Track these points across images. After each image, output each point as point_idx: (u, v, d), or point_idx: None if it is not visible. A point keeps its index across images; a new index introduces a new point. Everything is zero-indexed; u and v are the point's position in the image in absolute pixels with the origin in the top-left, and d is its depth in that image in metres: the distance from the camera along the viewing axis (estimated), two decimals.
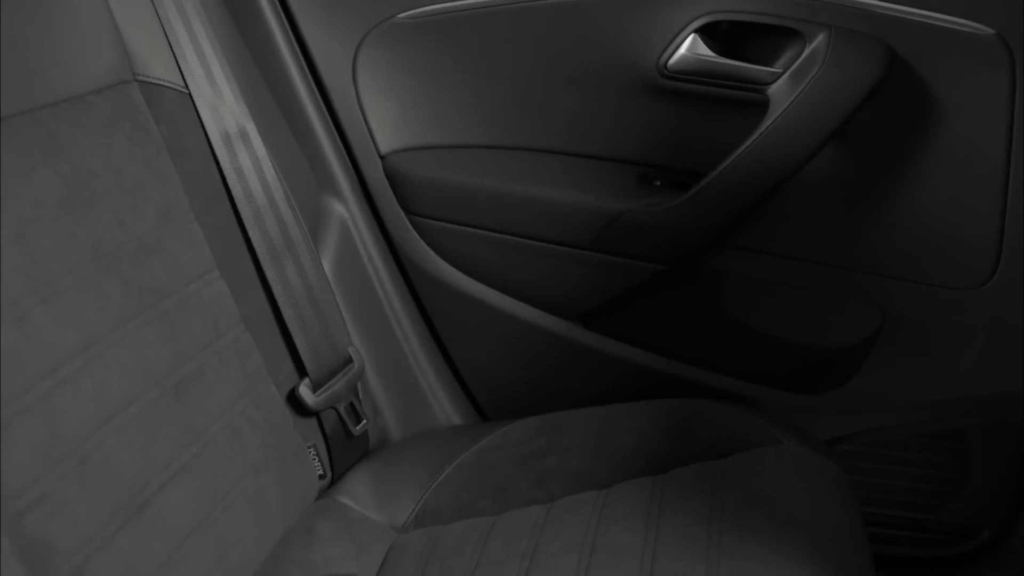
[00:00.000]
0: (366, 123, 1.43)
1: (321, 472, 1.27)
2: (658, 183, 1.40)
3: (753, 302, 1.40)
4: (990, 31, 1.21)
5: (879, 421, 1.42)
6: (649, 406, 1.27)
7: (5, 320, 0.89)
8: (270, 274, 1.23)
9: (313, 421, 1.27)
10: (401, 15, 1.38)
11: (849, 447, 1.44)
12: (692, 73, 1.33)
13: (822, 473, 1.12)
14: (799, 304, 1.40)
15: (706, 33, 1.31)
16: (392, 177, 1.44)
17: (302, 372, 1.25)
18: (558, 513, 1.15)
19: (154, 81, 1.17)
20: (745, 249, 1.39)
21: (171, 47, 1.20)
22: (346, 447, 1.31)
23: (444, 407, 1.51)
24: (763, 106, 1.31)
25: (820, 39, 1.26)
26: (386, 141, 1.44)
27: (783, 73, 1.31)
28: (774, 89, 1.31)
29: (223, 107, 1.23)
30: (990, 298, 1.33)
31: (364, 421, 1.31)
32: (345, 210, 1.45)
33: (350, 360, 1.31)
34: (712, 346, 1.43)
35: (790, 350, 1.41)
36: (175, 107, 1.18)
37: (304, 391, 1.23)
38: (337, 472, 1.30)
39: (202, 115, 1.21)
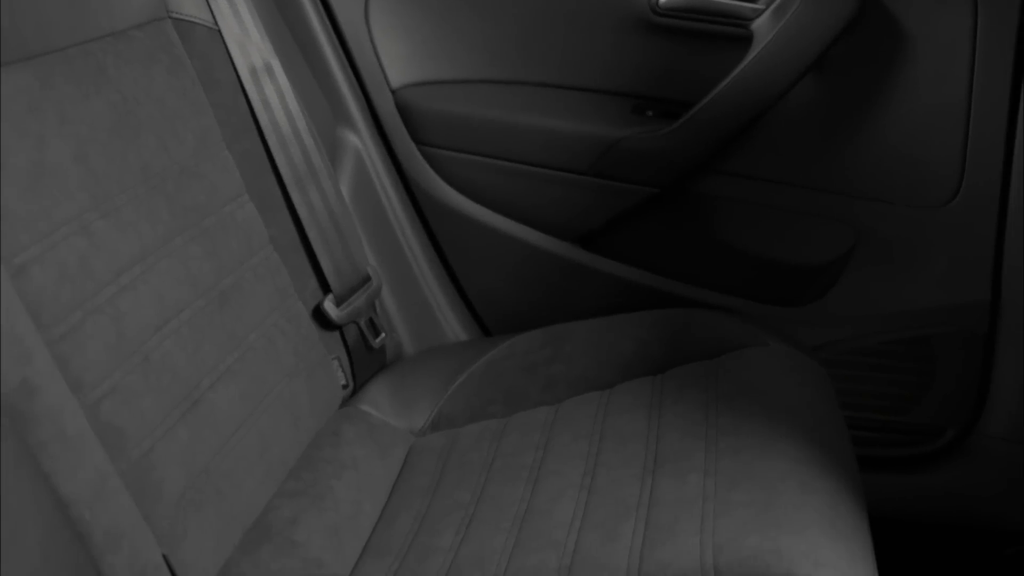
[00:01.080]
0: (378, 59, 1.51)
1: (344, 382, 1.35)
2: (650, 113, 1.49)
3: (738, 223, 1.50)
4: None
5: (853, 331, 1.52)
6: (646, 316, 1.37)
7: (75, 231, 0.97)
8: (296, 198, 1.31)
9: (336, 335, 1.35)
10: None
11: (825, 355, 1.53)
12: (682, 10, 1.42)
13: (805, 369, 1.22)
14: (780, 224, 1.49)
15: None
16: (403, 110, 1.52)
17: (326, 289, 1.34)
18: (566, 411, 1.25)
19: (186, 18, 1.24)
20: (730, 174, 1.48)
21: None
22: (366, 359, 1.39)
23: (452, 324, 1.60)
24: (747, 40, 1.41)
25: None
26: (397, 76, 1.52)
27: (765, 9, 1.40)
28: (757, 24, 1.41)
29: (249, 43, 1.30)
30: (953, 216, 1.43)
31: (382, 335, 1.40)
32: (359, 141, 1.53)
33: (369, 278, 1.39)
34: (701, 263, 1.53)
35: (772, 267, 1.50)
36: (206, 43, 1.26)
37: (328, 306, 1.31)
38: (359, 382, 1.39)
39: (230, 50, 1.28)
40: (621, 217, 1.50)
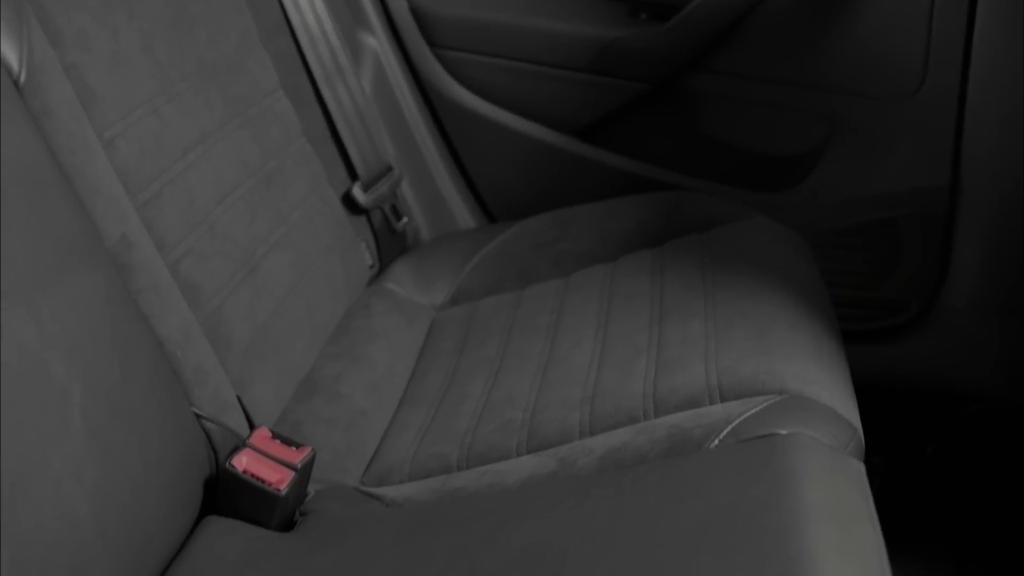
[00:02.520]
0: None
1: (371, 263, 1.48)
2: (644, 16, 1.61)
3: (723, 116, 1.62)
4: None
5: (827, 214, 1.64)
6: (643, 198, 1.49)
7: (148, 113, 1.08)
8: (326, 93, 1.42)
9: (363, 219, 1.47)
10: None
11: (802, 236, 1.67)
12: None
13: (788, 238, 1.36)
14: (761, 118, 1.61)
15: None
16: (417, 14, 1.63)
17: (354, 177, 1.46)
18: (576, 281, 1.37)
19: None
20: (716, 72, 1.59)
21: None
22: (390, 242, 1.52)
23: (462, 212, 1.72)
24: None
25: None
26: None
27: None
28: None
29: None
30: (918, 107, 1.55)
31: (404, 219, 1.52)
32: (377, 44, 1.64)
33: (391, 167, 1.51)
34: (690, 153, 1.65)
35: (754, 156, 1.63)
36: None
37: (357, 191, 1.43)
38: (384, 263, 1.51)
39: None
40: (617, 112, 1.63)
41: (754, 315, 1.13)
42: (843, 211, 1.64)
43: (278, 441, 1.03)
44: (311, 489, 1.07)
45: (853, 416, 1.02)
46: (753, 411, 0.96)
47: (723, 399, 1.01)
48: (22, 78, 0.90)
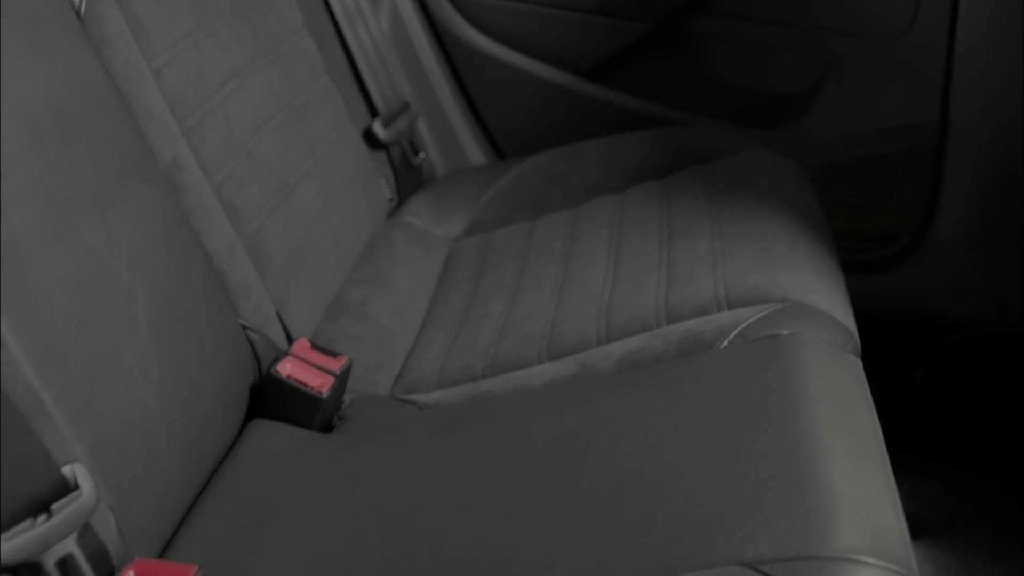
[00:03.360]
0: None
1: (390, 196, 1.54)
2: None
3: (723, 56, 1.68)
4: None
5: (822, 150, 1.71)
6: (648, 133, 1.56)
7: (189, 47, 1.14)
8: (347, 33, 1.48)
9: (383, 155, 1.54)
10: None
11: None
12: None
13: (788, 168, 1.42)
14: (759, 57, 1.68)
15: None
16: None
17: (374, 113, 1.52)
18: (586, 210, 1.44)
19: None
20: (716, 13, 1.66)
21: None
22: (408, 176, 1.58)
23: (473, 150, 1.79)
24: None
25: None
26: None
27: None
28: None
29: None
30: (909, 46, 1.61)
31: (422, 153, 1.59)
32: None
33: (408, 105, 1.57)
34: (691, 92, 1.71)
35: (753, 94, 1.70)
36: None
37: (377, 127, 1.50)
38: (402, 197, 1.58)
39: None
40: (623, 52, 1.69)
41: (757, 234, 1.20)
42: (837, 147, 1.71)
43: (317, 351, 1.10)
44: (346, 398, 1.14)
45: (850, 323, 1.10)
46: (759, 316, 1.04)
47: (730, 307, 1.09)
48: (82, 8, 0.97)
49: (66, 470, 0.74)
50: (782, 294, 1.08)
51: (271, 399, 1.07)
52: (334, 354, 1.10)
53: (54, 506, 0.73)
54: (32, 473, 0.72)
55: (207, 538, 0.91)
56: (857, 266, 1.78)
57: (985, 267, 1.68)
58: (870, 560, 0.71)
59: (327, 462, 1.00)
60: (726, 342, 1.01)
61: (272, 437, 1.03)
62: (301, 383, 1.05)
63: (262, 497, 0.95)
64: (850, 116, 1.69)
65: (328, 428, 1.09)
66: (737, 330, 1.02)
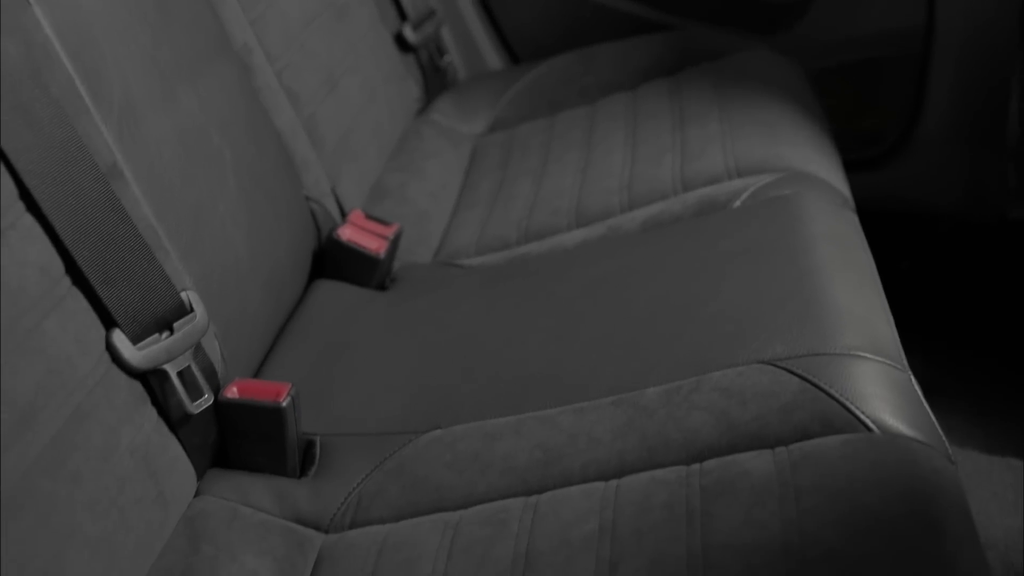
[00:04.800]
0: None
1: (418, 96, 1.65)
2: None
3: None
4: None
5: (814, 54, 1.82)
6: (658, 36, 1.67)
7: None
8: None
9: (412, 57, 1.64)
10: None
11: None
12: None
13: (787, 64, 1.54)
14: None
15: None
16: None
17: (403, 18, 1.63)
18: (602, 105, 1.55)
19: None
20: None
21: None
22: (434, 78, 1.69)
23: (490, 55, 1.89)
24: None
25: None
26: None
27: None
28: None
29: None
30: None
31: (447, 56, 1.69)
32: None
33: (434, 11, 1.68)
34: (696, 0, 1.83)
35: (752, 3, 1.80)
36: None
37: (407, 30, 1.60)
38: (429, 98, 1.69)
39: None
40: None
41: (762, 118, 1.32)
42: (829, 52, 1.81)
43: (371, 220, 1.22)
44: (395, 265, 1.26)
45: (845, 191, 1.22)
46: (766, 181, 1.16)
47: (740, 176, 1.21)
48: None
49: (183, 295, 0.86)
50: (786, 164, 1.20)
51: (333, 261, 1.19)
52: (386, 223, 1.22)
53: (175, 324, 0.85)
54: (157, 296, 0.84)
55: (289, 369, 1.03)
56: (846, 165, 1.88)
57: (967, 163, 1.79)
58: (868, 355, 0.84)
59: (387, 311, 1.12)
60: (738, 203, 1.13)
61: (336, 292, 1.16)
62: (360, 246, 1.17)
63: (333, 337, 1.08)
64: (841, 23, 1.79)
65: (382, 288, 1.21)
66: (747, 192, 1.14)
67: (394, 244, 1.21)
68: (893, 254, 1.94)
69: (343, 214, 1.27)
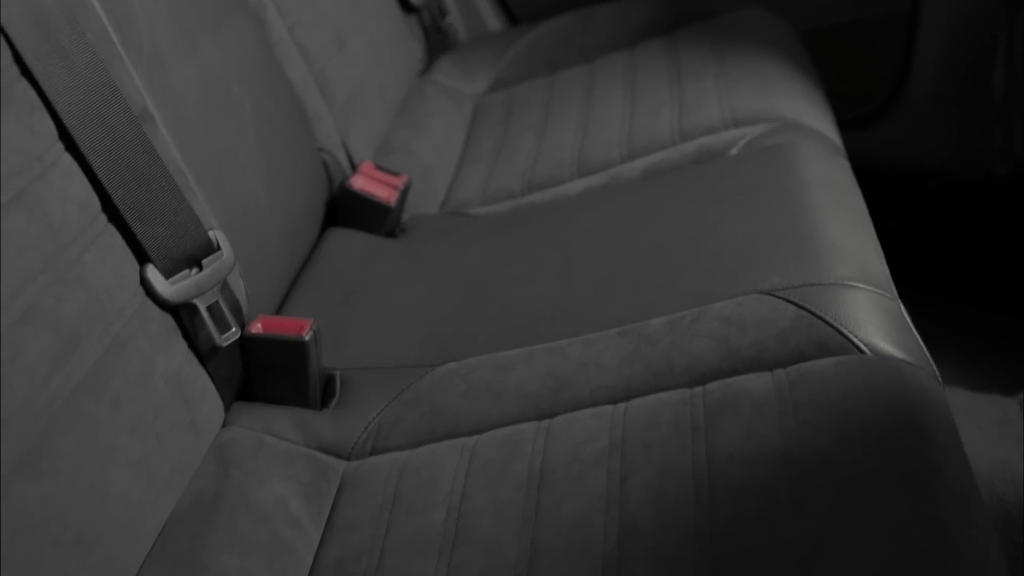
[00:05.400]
0: None
1: (421, 56, 1.69)
2: None
3: None
4: None
5: (805, 16, 1.85)
6: None
7: None
8: None
9: (414, 18, 1.68)
10: None
11: None
12: None
13: (779, 23, 1.57)
14: None
15: None
16: None
17: None
18: (600, 64, 1.59)
19: None
20: None
21: None
22: (436, 40, 1.73)
23: (489, 16, 1.92)
24: None
25: None
26: None
27: None
28: None
29: None
30: None
31: (450, 22, 1.73)
32: None
33: None
34: None
35: None
36: None
37: None
38: (431, 59, 1.73)
39: None
40: None
41: (756, 73, 1.36)
42: (820, 13, 1.86)
43: (381, 171, 1.27)
44: (403, 216, 1.31)
45: (838, 141, 1.27)
46: (762, 131, 1.20)
47: (736, 126, 1.25)
48: None
49: (211, 234, 0.90)
50: (780, 115, 1.24)
51: (345, 210, 1.23)
52: (396, 174, 1.27)
53: (204, 261, 0.89)
54: (187, 234, 0.88)
55: (307, 310, 1.08)
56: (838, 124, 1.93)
57: (954, 122, 1.84)
58: (860, 285, 0.89)
59: (398, 256, 1.17)
60: (735, 151, 1.18)
61: (349, 239, 1.20)
62: (372, 194, 1.22)
63: (347, 281, 1.12)
64: None
65: (392, 236, 1.25)
66: (743, 141, 1.19)
67: (404, 194, 1.25)
68: (883, 212, 1.99)
69: (353, 166, 1.31)
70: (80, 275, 0.77)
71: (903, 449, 0.72)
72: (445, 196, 1.39)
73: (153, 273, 0.85)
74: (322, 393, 0.98)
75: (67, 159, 0.80)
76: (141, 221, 0.84)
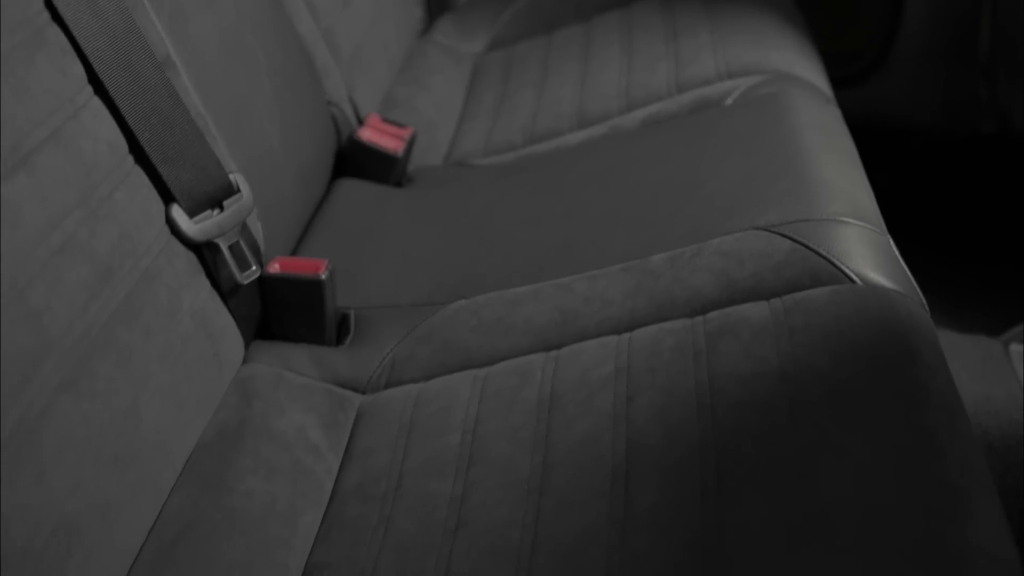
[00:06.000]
0: None
1: (421, 16, 1.73)
2: None
3: None
4: None
5: None
6: None
7: None
8: None
9: None
10: None
11: None
12: None
13: None
14: None
15: None
16: None
17: None
18: (597, 22, 1.62)
19: None
20: None
21: None
22: (435, 1, 1.76)
23: None
24: None
25: None
26: None
27: None
28: None
29: None
30: None
31: None
32: None
33: None
34: None
35: None
36: None
37: None
38: (431, 18, 1.76)
39: None
40: None
41: (750, 27, 1.40)
42: None
43: (388, 123, 1.30)
44: (409, 168, 1.34)
45: (828, 92, 1.31)
46: (756, 81, 1.24)
47: (731, 78, 1.29)
48: None
49: (231, 177, 0.94)
50: (773, 67, 1.28)
51: (353, 161, 1.27)
52: (401, 125, 1.30)
53: (225, 203, 0.93)
54: (209, 175, 0.92)
55: (320, 253, 1.11)
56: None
57: (941, 79, 1.88)
58: (851, 220, 0.93)
59: (406, 204, 1.21)
60: (729, 100, 1.22)
61: (358, 189, 1.24)
62: (379, 145, 1.25)
63: (358, 227, 1.16)
64: None
65: (399, 187, 1.29)
66: (738, 91, 1.23)
67: (410, 145, 1.29)
68: (871, 168, 2.03)
69: (359, 120, 1.35)
70: (111, 211, 0.81)
71: (892, 367, 0.76)
72: (448, 150, 1.43)
73: (178, 212, 0.89)
74: (337, 331, 1.02)
75: (96, 102, 0.83)
76: (166, 162, 0.88)
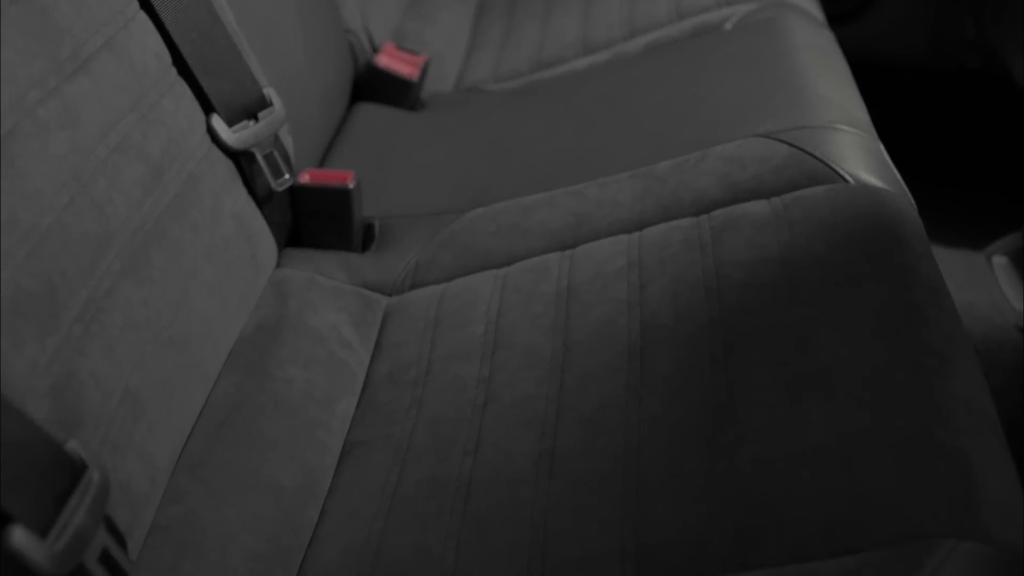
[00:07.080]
0: None
1: None
2: None
3: None
4: None
5: None
6: None
7: None
8: None
9: None
10: None
11: None
12: None
13: None
14: None
15: None
16: None
17: None
18: None
19: None
20: None
21: None
22: None
23: None
24: None
25: None
26: None
27: None
28: None
29: None
30: None
31: None
32: None
33: None
34: None
35: None
36: None
37: None
38: None
39: None
40: None
41: None
42: None
43: (402, 50, 1.36)
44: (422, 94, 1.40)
45: (821, 18, 1.37)
46: (752, 8, 1.30)
47: (728, 5, 1.35)
48: None
49: (266, 91, 1.00)
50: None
51: (369, 86, 1.33)
52: (415, 52, 1.36)
53: (260, 114, 0.99)
54: (245, 88, 0.97)
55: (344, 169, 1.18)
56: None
57: (929, 17, 1.93)
58: (845, 127, 1.00)
59: (423, 124, 1.27)
60: (729, 25, 1.28)
61: (376, 112, 1.30)
62: (395, 70, 1.31)
63: (378, 145, 1.22)
64: None
65: (414, 110, 1.35)
66: (736, 17, 1.29)
67: (424, 71, 1.35)
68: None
69: (374, 49, 1.41)
70: (160, 116, 0.87)
71: (883, 252, 0.83)
72: (457, 79, 1.48)
73: (218, 121, 0.95)
74: (363, 238, 1.08)
75: (143, 16, 0.89)
76: (206, 74, 0.94)
